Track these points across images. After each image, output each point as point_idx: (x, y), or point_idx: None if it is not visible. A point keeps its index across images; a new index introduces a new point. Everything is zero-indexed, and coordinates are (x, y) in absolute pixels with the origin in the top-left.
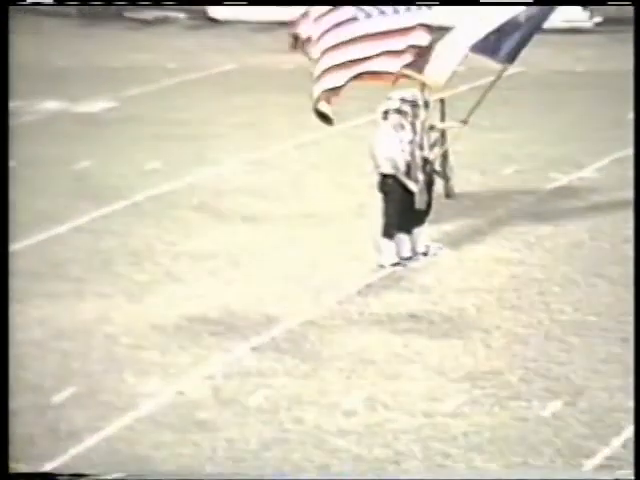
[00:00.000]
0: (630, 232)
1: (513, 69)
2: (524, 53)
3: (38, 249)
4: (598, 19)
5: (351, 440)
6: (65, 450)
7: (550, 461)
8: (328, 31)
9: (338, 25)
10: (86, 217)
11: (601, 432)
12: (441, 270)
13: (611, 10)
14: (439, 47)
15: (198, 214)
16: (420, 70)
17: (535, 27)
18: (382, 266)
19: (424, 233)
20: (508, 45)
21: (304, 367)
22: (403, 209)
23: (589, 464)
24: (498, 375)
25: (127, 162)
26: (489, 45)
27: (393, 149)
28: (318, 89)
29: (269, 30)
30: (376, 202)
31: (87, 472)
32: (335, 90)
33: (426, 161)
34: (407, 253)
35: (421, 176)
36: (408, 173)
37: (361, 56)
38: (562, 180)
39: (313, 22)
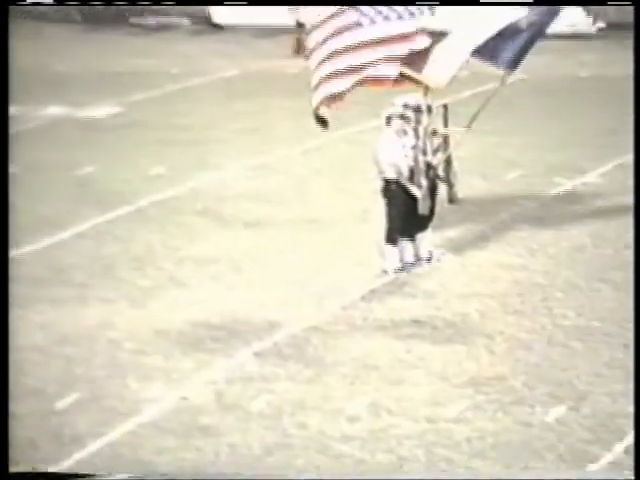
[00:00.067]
0: (633, 238)
1: (516, 75)
2: (527, 59)
3: (41, 255)
4: (601, 25)
5: (354, 446)
6: (69, 455)
7: (553, 466)
8: (331, 37)
9: (341, 31)
10: (89, 222)
11: (604, 437)
12: (444, 275)
13: (614, 16)
14: (439, 49)
15: (201, 219)
16: (418, 70)
17: (538, 33)
18: (385, 272)
19: (427, 239)
20: (510, 51)
21: (307, 372)
22: (406, 215)
23: (592, 469)
24: (501, 380)
25: (130, 167)
26: (490, 51)
27: (396, 154)
28: (320, 95)
29: (272, 35)
30: (379, 207)
31: (88, 472)
32: (338, 96)
33: (429, 166)
34: (410, 259)
35: (424, 181)
36: (411, 178)
37: (364, 62)
38: (565, 185)
39: (316, 28)
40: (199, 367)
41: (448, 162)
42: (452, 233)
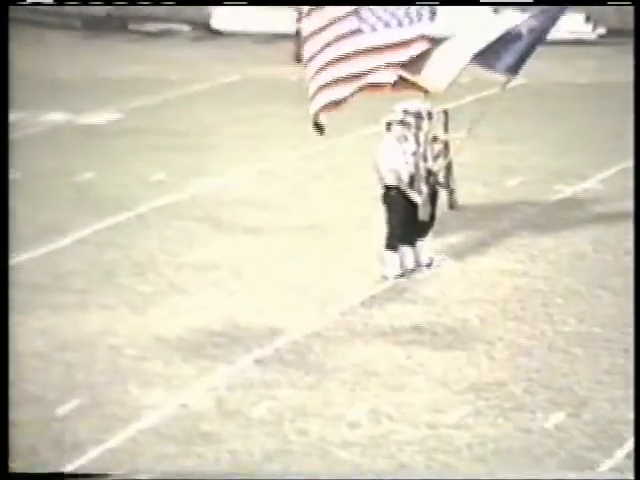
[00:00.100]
0: (633, 244)
1: (516, 81)
2: (528, 64)
3: (42, 261)
4: (601, 31)
5: (355, 452)
6: (69, 461)
7: (553, 472)
8: (330, 45)
9: (341, 38)
10: (89, 229)
11: (605, 443)
12: (445, 281)
13: (614, 22)
14: (437, 52)
15: (201, 225)
16: (416, 72)
17: (538, 39)
18: (386, 278)
19: (427, 245)
20: (509, 57)
21: (308, 379)
22: (406, 221)
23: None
24: (502, 386)
25: (130, 173)
26: (489, 57)
27: (396, 161)
28: (319, 102)
29: (272, 42)
30: (379, 214)
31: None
32: (338, 103)
33: (430, 173)
34: (411, 265)
35: (425, 188)
36: (411, 185)
37: (364, 69)
38: (566, 192)
39: (313, 37)
40: (200, 373)
41: (448, 168)
42: (452, 239)
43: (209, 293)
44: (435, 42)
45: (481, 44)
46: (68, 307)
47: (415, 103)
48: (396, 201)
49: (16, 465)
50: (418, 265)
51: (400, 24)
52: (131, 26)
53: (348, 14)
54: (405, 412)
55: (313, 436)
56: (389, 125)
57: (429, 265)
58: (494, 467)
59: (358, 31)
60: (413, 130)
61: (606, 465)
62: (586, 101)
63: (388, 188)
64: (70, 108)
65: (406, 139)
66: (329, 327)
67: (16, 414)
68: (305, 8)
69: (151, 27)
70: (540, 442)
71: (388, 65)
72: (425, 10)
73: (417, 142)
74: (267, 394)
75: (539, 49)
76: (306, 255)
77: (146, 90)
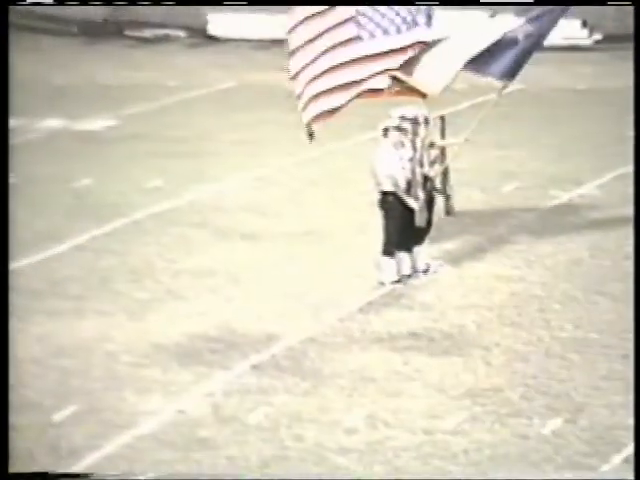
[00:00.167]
0: (631, 249)
1: (513, 86)
2: (524, 70)
3: (39, 267)
4: (598, 37)
5: (352, 458)
6: (66, 467)
7: (550, 478)
8: (325, 53)
9: (339, 45)
10: (86, 235)
11: (602, 449)
12: (441, 287)
13: (610, 28)
14: (432, 54)
15: (198, 231)
16: (408, 73)
17: (535, 44)
18: (382, 284)
19: (424, 251)
20: (505, 62)
21: (304, 385)
22: (403, 227)
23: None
24: (498, 392)
25: (127, 180)
26: (483, 62)
27: (393, 166)
28: (314, 110)
29: (268, 48)
30: (376, 219)
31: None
32: (333, 111)
33: (426, 178)
34: (407, 271)
35: (421, 193)
36: (408, 190)
37: (361, 77)
38: (562, 197)
39: (303, 48)
40: (197, 380)
41: (445, 174)
42: (449, 245)
43: (206, 299)
44: (430, 44)
45: (476, 48)
46: (65, 313)
47: (412, 109)
48: (393, 207)
49: (13, 470)
50: (415, 271)
51: (398, 30)
52: (127, 32)
53: (346, 20)
54: (402, 418)
55: (310, 442)
56: (386, 131)
57: (426, 271)
58: (491, 473)
59: (357, 38)
60: (410, 136)
61: (603, 471)
62: (583, 107)
63: (385, 194)
64: (67, 114)
65: (403, 145)
66: (326, 333)
67: (13, 419)
68: (297, 18)
69: (147, 33)
70: (537, 448)
71: (385, 71)
72: (421, 15)
73: (414, 148)
74: (264, 400)
75: (536, 55)
76: (303, 261)
77: (143, 96)
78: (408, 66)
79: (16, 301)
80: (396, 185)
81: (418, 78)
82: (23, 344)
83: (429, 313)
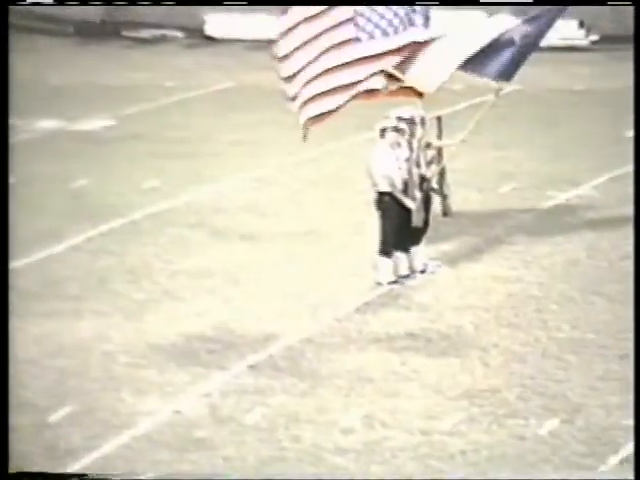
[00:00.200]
0: (628, 249)
1: (510, 87)
2: (521, 71)
3: (36, 267)
4: (594, 37)
5: (349, 458)
6: (63, 468)
7: (549, 478)
8: (320, 56)
9: (337, 47)
10: (83, 235)
11: (598, 450)
12: (439, 288)
13: (607, 28)
14: (427, 53)
15: (196, 232)
16: (405, 71)
17: (531, 45)
18: (380, 284)
19: (421, 251)
20: (501, 62)
21: (302, 385)
22: (400, 227)
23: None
24: (495, 393)
25: (125, 180)
26: (480, 62)
27: (390, 167)
28: (311, 111)
29: (266, 48)
30: (374, 220)
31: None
32: (330, 113)
33: (423, 179)
34: (405, 271)
35: (418, 194)
36: (405, 191)
37: (359, 78)
38: (559, 198)
39: (297, 51)
40: (194, 380)
41: (442, 174)
42: (446, 246)
43: (204, 300)
44: (426, 42)
45: (473, 47)
46: (62, 314)
47: (409, 110)
48: (390, 207)
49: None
50: (412, 271)
51: (396, 31)
52: (124, 32)
53: (344, 22)
54: (399, 418)
55: (307, 442)
56: (383, 131)
57: (423, 271)
58: (488, 474)
59: (355, 39)
60: (406, 136)
61: (600, 471)
62: (580, 108)
63: (381, 194)
64: (64, 115)
65: (399, 145)
66: (324, 333)
67: (10, 420)
68: (293, 20)
69: (145, 33)
70: (534, 449)
71: (381, 72)
72: (419, 16)
73: (410, 148)
74: (261, 400)
75: (532, 55)
76: (301, 262)
77: (140, 97)
78: (403, 64)
79: (13, 301)
80: (393, 185)
81: (413, 76)
82: (21, 345)
83: (426, 314)
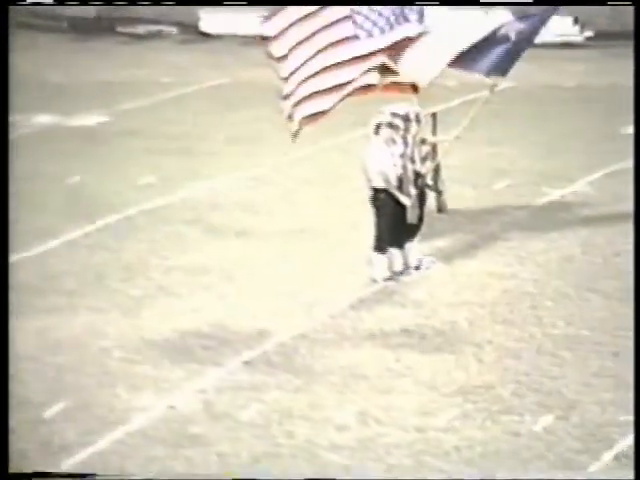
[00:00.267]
0: (623, 246)
1: (504, 84)
2: (515, 67)
3: (32, 263)
4: (589, 33)
5: (343, 455)
6: (57, 464)
7: (542, 475)
8: (323, 50)
9: (336, 44)
10: (79, 231)
11: (593, 446)
12: (433, 284)
13: (602, 25)
14: (420, 45)
15: (192, 229)
16: (396, 62)
17: (526, 41)
18: (374, 280)
19: (416, 247)
20: (491, 58)
21: (296, 381)
22: (395, 223)
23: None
24: (490, 389)
25: (120, 176)
26: (472, 58)
27: (385, 163)
28: (306, 111)
29: (261, 44)
30: (368, 216)
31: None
32: (325, 112)
33: (418, 175)
34: (399, 267)
35: (413, 190)
36: (400, 187)
37: (354, 77)
38: (554, 194)
39: (303, 42)
40: (189, 376)
41: (436, 171)
42: (441, 242)
43: (199, 296)
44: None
45: (467, 42)
46: (58, 309)
47: (403, 106)
48: (384, 203)
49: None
50: (407, 267)
51: (392, 28)
52: (119, 28)
53: (342, 19)
54: (393, 415)
55: (301, 439)
56: (377, 127)
57: (418, 267)
58: (482, 470)
59: (354, 37)
60: (401, 132)
61: (594, 468)
62: (574, 104)
63: (376, 190)
64: (60, 110)
65: (394, 141)
66: (318, 330)
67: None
68: (288, 20)
69: (140, 29)
70: (528, 445)
71: (374, 68)
72: (413, 12)
73: (405, 144)
74: (255, 397)
75: (527, 52)
76: (296, 258)
77: (135, 93)
78: (397, 57)
79: (10, 297)
80: (387, 181)
81: (406, 67)
82: (16, 340)
83: (421, 310)
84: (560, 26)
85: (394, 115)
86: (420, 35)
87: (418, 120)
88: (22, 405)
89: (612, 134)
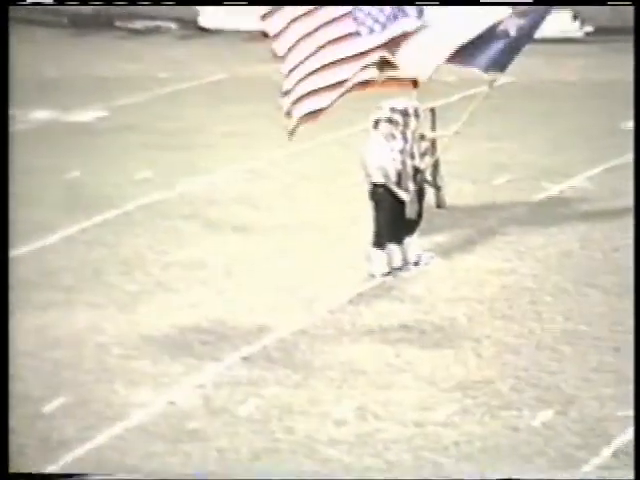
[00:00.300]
0: (622, 242)
1: (504, 79)
2: (515, 62)
3: (29, 258)
4: (589, 29)
5: (342, 450)
6: (55, 460)
7: (541, 470)
8: (324, 47)
9: (337, 41)
10: (77, 226)
11: (592, 441)
12: (432, 280)
13: (602, 20)
14: (419, 38)
15: (189, 224)
16: (396, 54)
17: (525, 36)
18: (373, 276)
19: (415, 242)
20: (489, 54)
21: (295, 377)
22: (394, 218)
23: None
24: (489, 384)
25: (118, 171)
26: (471, 54)
27: (384, 158)
28: (306, 108)
29: (260, 39)
30: (368, 211)
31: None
32: (324, 110)
33: (417, 170)
34: (398, 263)
35: (412, 185)
36: (399, 182)
37: (354, 74)
38: (553, 189)
39: (303, 40)
40: (187, 371)
41: (435, 166)
42: (440, 238)
43: (197, 291)
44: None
45: (465, 37)
46: (56, 305)
47: (402, 101)
48: (383, 199)
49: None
50: (405, 263)
51: (392, 23)
52: (118, 23)
53: (342, 16)
54: (392, 410)
55: (300, 434)
56: (377, 123)
57: (416, 263)
58: (482, 465)
59: (355, 34)
60: (401, 128)
61: (593, 463)
62: (573, 99)
63: (375, 186)
64: (57, 105)
65: (394, 137)
66: (317, 325)
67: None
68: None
69: (138, 24)
70: (527, 440)
71: (374, 63)
72: (413, 9)
73: (404, 139)
74: (254, 392)
75: (526, 47)
76: (294, 253)
77: (133, 88)
78: (395, 50)
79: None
80: (386, 177)
81: (405, 61)
82: (14, 336)
83: (420, 305)
84: (560, 21)
85: (393, 110)
86: (419, 29)
87: (417, 115)
88: (20, 401)
89: (612, 129)
